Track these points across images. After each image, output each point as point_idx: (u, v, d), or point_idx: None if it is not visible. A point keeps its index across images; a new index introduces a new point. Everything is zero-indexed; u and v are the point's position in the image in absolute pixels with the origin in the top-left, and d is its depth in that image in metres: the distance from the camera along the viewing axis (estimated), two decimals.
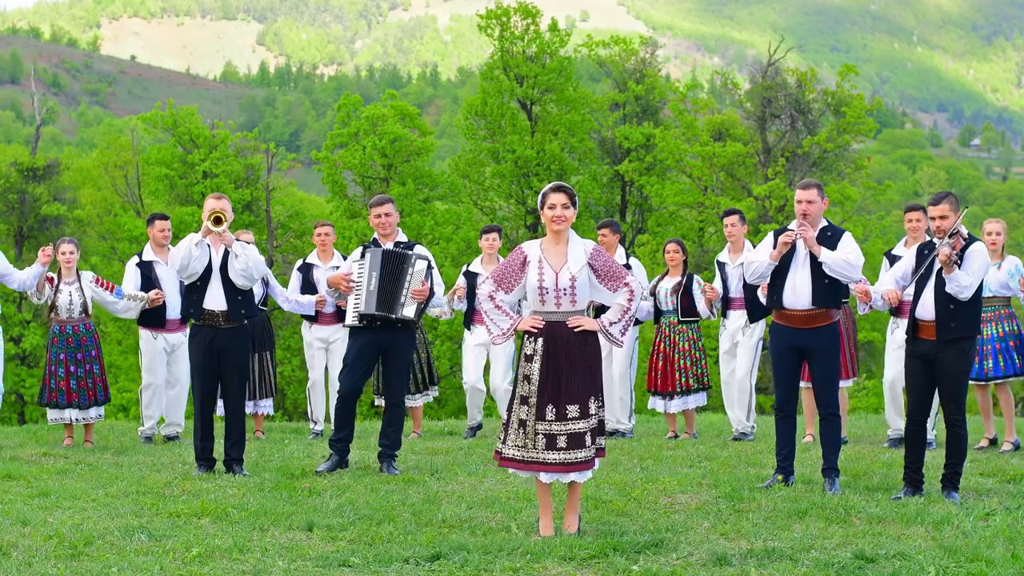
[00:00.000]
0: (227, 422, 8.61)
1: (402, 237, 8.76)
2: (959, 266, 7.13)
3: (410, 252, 8.53)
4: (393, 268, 8.43)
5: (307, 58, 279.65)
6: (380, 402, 10.48)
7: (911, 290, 7.44)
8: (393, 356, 8.62)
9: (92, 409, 10.41)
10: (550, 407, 6.13)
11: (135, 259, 10.64)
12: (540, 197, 6.30)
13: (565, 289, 6.18)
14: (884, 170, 72.53)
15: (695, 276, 10.64)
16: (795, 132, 27.72)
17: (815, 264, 7.52)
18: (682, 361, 10.55)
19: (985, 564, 5.40)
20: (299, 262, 11.29)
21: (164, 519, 6.68)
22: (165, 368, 10.56)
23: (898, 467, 7.92)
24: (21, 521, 6.50)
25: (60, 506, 7.10)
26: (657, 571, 5.39)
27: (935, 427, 9.33)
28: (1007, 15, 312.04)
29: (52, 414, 10.41)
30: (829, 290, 7.55)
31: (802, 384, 9.52)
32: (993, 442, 9.68)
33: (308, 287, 10.85)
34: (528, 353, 6.23)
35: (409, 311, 8.46)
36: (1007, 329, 9.47)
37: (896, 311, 9.38)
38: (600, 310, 6.49)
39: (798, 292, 7.58)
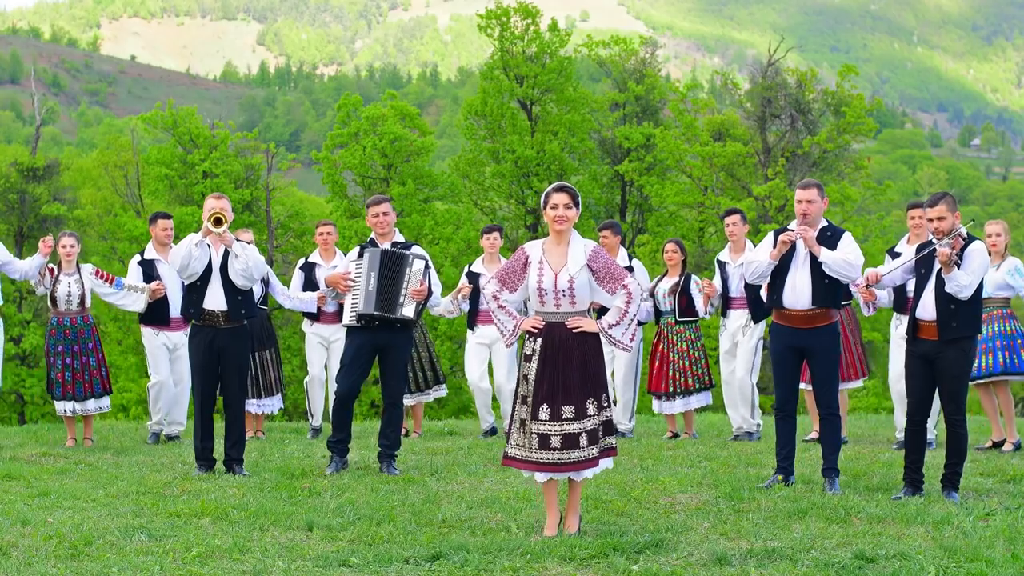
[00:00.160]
0: (227, 422, 8.61)
1: (399, 237, 8.77)
2: (959, 266, 7.13)
3: (408, 252, 8.54)
4: (392, 268, 8.44)
5: (307, 58, 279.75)
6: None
7: (911, 289, 7.45)
8: (390, 356, 8.62)
9: (89, 401, 10.41)
10: (544, 407, 6.14)
11: (137, 257, 10.66)
12: (543, 197, 6.32)
13: (564, 290, 6.19)
14: (884, 170, 72.55)
15: (693, 276, 10.65)
16: (795, 132, 27.71)
17: (815, 264, 7.52)
18: (680, 361, 10.55)
19: (985, 564, 5.40)
20: (301, 261, 11.31)
21: (164, 519, 6.68)
22: (168, 364, 10.56)
23: (898, 467, 7.92)
24: (21, 521, 6.50)
25: (60, 506, 7.10)
26: (657, 571, 5.39)
27: (935, 427, 9.33)
28: (1007, 15, 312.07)
29: (56, 405, 10.47)
30: (829, 290, 7.55)
31: (804, 386, 9.53)
32: (997, 444, 9.65)
33: (310, 286, 10.86)
34: (527, 353, 6.26)
35: (408, 311, 8.47)
36: (1006, 328, 9.47)
37: (900, 308, 9.38)
38: (603, 311, 6.48)
39: (798, 292, 7.58)
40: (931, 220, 7.19)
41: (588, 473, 6.20)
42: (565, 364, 6.16)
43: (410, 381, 10.86)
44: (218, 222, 8.34)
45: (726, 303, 10.36)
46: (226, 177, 28.84)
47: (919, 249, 7.41)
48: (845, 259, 7.44)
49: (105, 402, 10.57)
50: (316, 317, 10.96)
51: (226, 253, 8.50)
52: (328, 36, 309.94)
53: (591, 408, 6.18)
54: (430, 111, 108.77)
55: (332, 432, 8.69)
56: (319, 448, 9.98)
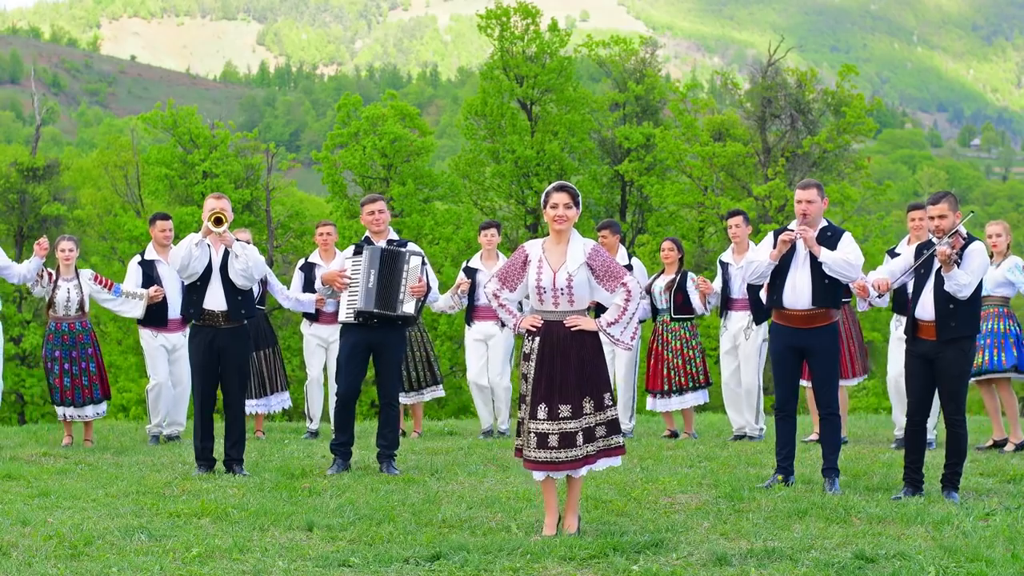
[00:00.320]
0: (227, 422, 8.61)
1: (393, 235, 8.79)
2: (958, 265, 7.13)
3: (404, 249, 8.56)
4: (390, 265, 8.45)
5: (307, 58, 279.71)
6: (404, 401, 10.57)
7: (911, 288, 7.45)
8: (385, 355, 8.62)
9: (88, 407, 10.42)
10: (542, 406, 6.15)
11: (137, 258, 10.65)
12: (543, 196, 6.32)
13: (562, 288, 6.20)
14: (884, 170, 72.55)
15: (689, 273, 10.67)
16: (795, 132, 27.70)
17: (815, 264, 7.52)
18: (675, 360, 10.56)
19: (985, 564, 5.40)
20: (301, 261, 11.31)
21: (164, 519, 6.68)
22: (167, 365, 10.55)
23: (898, 467, 7.92)
24: (21, 521, 6.50)
25: (60, 506, 7.10)
26: (657, 571, 5.39)
27: (935, 427, 9.32)
28: (1007, 15, 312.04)
29: (56, 409, 10.48)
30: (829, 290, 7.55)
31: (804, 383, 9.52)
32: (998, 444, 9.64)
33: (310, 286, 10.84)
34: (526, 352, 6.28)
35: (409, 307, 8.49)
36: (1000, 327, 9.46)
37: (899, 308, 9.38)
38: (601, 310, 6.48)
39: (798, 292, 7.59)
40: (932, 218, 7.18)
41: (584, 471, 6.20)
42: (563, 363, 6.17)
43: (405, 380, 10.86)
44: (218, 222, 8.34)
45: (727, 304, 10.35)
46: (226, 177, 28.82)
47: (919, 249, 7.41)
48: (845, 259, 7.44)
49: (103, 407, 10.61)
50: (315, 318, 10.96)
51: (226, 253, 8.51)
52: (328, 36, 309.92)
53: (588, 407, 6.18)
54: (430, 111, 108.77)
55: (334, 435, 8.69)
56: (319, 448, 9.98)
